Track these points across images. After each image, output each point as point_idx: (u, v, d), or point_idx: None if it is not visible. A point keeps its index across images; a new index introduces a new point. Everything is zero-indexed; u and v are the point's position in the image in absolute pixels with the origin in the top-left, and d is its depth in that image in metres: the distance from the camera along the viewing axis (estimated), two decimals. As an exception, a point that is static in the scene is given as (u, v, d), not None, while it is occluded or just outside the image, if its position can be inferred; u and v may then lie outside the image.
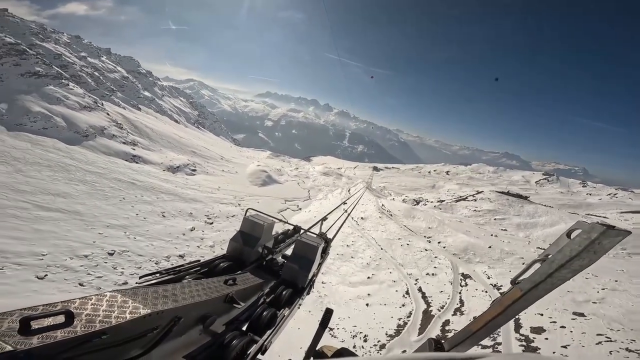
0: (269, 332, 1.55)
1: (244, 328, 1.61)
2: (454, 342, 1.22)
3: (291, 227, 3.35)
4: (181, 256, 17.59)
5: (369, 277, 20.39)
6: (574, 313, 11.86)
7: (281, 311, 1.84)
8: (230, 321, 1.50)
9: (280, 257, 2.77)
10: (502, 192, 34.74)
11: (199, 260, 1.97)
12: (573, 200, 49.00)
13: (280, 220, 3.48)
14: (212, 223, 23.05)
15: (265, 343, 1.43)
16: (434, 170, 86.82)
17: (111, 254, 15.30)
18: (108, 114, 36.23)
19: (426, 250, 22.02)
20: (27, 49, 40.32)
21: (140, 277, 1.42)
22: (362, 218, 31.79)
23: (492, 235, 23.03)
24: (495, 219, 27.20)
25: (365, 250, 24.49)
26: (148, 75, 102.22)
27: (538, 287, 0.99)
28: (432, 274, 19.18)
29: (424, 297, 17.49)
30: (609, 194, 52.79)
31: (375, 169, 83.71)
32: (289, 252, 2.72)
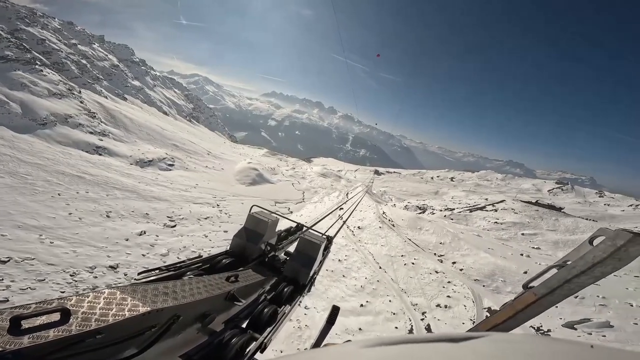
0: (269, 329, 1.51)
1: (244, 325, 1.56)
2: None
3: (294, 225, 3.54)
4: (112, 267, 13.31)
5: (362, 305, 15.96)
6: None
7: (282, 308, 1.79)
8: (230, 319, 1.46)
9: (282, 254, 2.71)
10: (529, 202, 30.11)
11: (201, 256, 1.88)
12: (594, 211, 44.41)
13: (284, 217, 3.32)
14: (174, 226, 18.58)
15: (265, 341, 1.40)
16: (437, 176, 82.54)
17: (4, 262, 11.22)
18: (81, 102, 32.71)
19: (436, 272, 17.60)
20: (1, 33, 37.07)
21: (139, 274, 1.36)
22: (359, 227, 27.24)
23: (522, 254, 18.60)
24: (523, 234, 22.71)
25: (360, 268, 19.93)
26: (141, 64, 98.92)
27: (554, 292, 0.97)
28: (445, 306, 14.74)
29: (434, 339, 13.09)
30: (631, 205, 48.15)
31: (377, 172, 79.78)
32: (291, 249, 2.69)
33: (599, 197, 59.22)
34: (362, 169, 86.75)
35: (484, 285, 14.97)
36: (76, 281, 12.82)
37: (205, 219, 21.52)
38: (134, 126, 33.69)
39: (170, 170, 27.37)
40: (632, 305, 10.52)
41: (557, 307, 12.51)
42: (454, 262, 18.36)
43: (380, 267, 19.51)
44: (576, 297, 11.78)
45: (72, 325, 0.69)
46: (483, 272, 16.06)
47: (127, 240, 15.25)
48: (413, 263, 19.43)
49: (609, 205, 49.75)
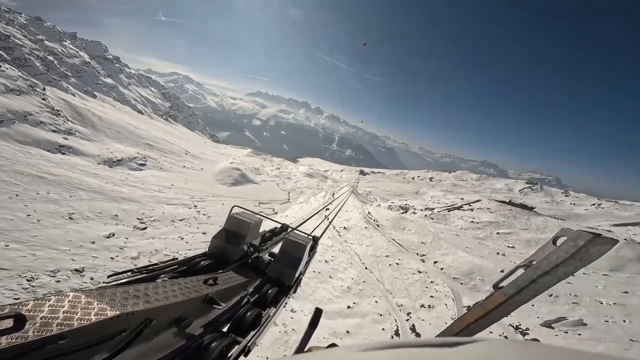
0: (252, 333, 1.47)
1: (225, 329, 1.48)
2: None
3: (279, 225, 3.42)
4: (78, 270, 12.21)
5: (349, 307, 15.69)
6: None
7: (266, 311, 1.74)
8: (210, 322, 1.38)
9: (267, 255, 2.67)
10: (503, 202, 31.10)
11: (176, 259, 1.79)
12: (561, 210, 47.23)
13: (268, 218, 3.31)
14: (144, 228, 17.43)
15: (249, 344, 1.36)
16: (418, 177, 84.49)
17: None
18: (44, 99, 29.85)
19: (419, 272, 17.70)
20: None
21: (108, 276, 1.31)
22: (344, 228, 26.99)
23: (498, 253, 19.11)
24: (498, 233, 23.38)
25: (346, 269, 19.66)
26: (115, 61, 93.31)
27: (522, 292, 0.99)
28: (429, 306, 14.80)
29: (419, 340, 13.04)
30: (593, 204, 51.79)
31: (362, 172, 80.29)
32: (275, 250, 2.58)
33: (565, 196, 63.28)
34: (348, 169, 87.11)
35: (462, 284, 15.22)
36: (34, 286, 11.58)
37: (181, 220, 20.40)
38: (103, 124, 31.33)
39: (141, 170, 25.68)
40: (602, 303, 11.01)
41: (533, 305, 12.89)
42: (435, 262, 18.58)
43: (366, 268, 19.36)
44: (550, 295, 12.18)
45: (29, 332, 0.64)
46: (462, 270, 16.36)
47: (93, 243, 14.02)
48: (397, 263, 19.46)
49: (574, 204, 53.16)
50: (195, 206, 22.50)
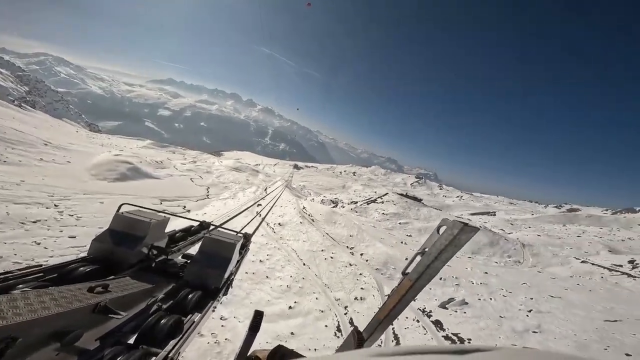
0: (173, 342, 1.29)
1: (132, 341, 1.27)
2: (370, 331, 1.27)
3: (196, 224, 3.08)
4: None
5: (290, 307, 15.16)
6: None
7: (189, 317, 1.56)
8: (109, 334, 1.19)
9: (180, 257, 2.42)
10: (402, 195, 36.25)
11: (41, 265, 1.43)
12: (437, 201, 60.01)
13: (180, 216, 2.98)
14: None
15: (171, 355, 1.19)
16: (344, 171, 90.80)
17: None
18: None
19: (350, 265, 18.94)
20: None
21: None
22: (279, 224, 25.97)
23: (402, 242, 22.42)
24: (400, 223, 27.25)
25: (284, 267, 18.97)
26: None
27: (421, 277, 1.05)
28: (361, 298, 15.98)
29: (355, 332, 13.95)
30: (458, 196, 68.37)
31: (296, 167, 79.82)
32: (194, 251, 2.33)
33: (440, 189, 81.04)
34: (282, 164, 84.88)
35: (382, 274, 17.06)
36: None
37: (35, 222, 15.07)
38: None
39: (-24, 165, 17.44)
40: (473, 283, 14.43)
41: (431, 288, 15.73)
42: (361, 254, 20.32)
43: (304, 264, 19.26)
44: (440, 278, 15.14)
45: None
46: (380, 261, 18.26)
47: None
48: (332, 257, 20.20)
49: (445, 196, 68.64)
50: (56, 205, 16.91)
